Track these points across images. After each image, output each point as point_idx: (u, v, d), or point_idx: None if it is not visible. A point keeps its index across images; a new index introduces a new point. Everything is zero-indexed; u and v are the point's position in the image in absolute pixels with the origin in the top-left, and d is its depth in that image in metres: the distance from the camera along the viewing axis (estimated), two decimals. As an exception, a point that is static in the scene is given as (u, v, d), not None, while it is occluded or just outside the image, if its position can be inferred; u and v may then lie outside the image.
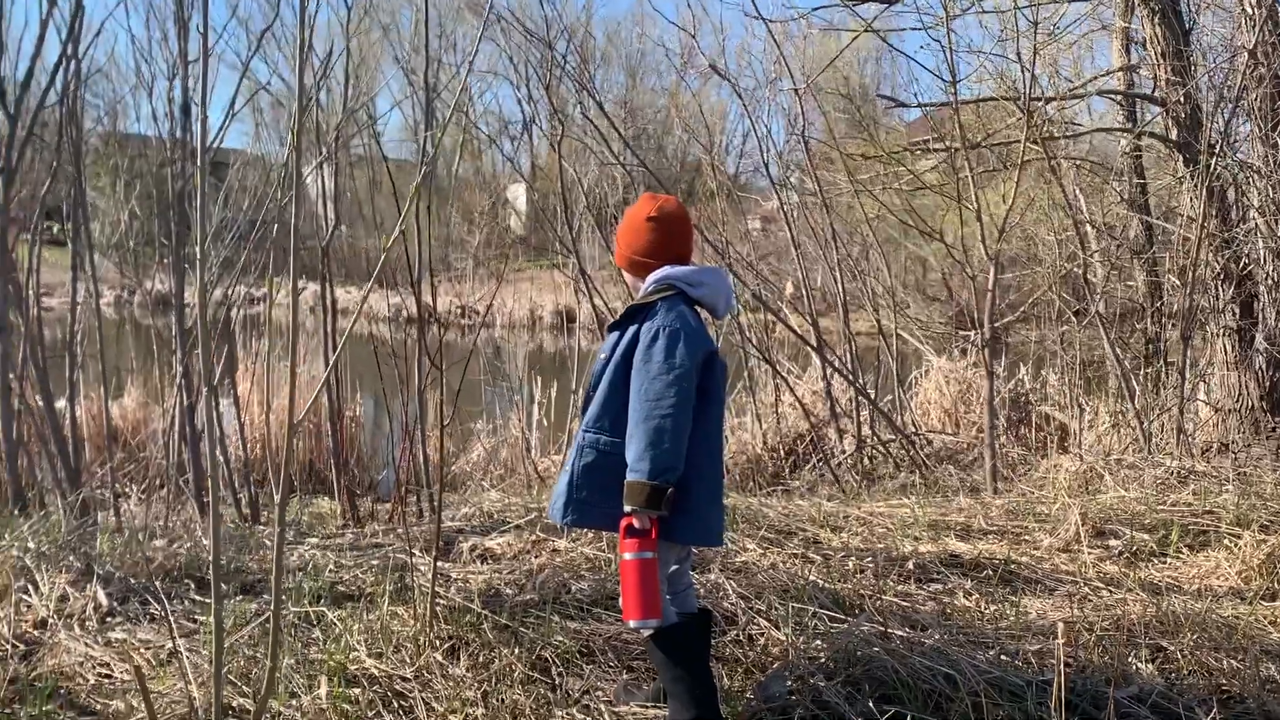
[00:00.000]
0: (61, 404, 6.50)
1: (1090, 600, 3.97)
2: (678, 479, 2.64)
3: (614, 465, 2.72)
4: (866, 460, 8.13)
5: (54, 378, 6.38)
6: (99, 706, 2.84)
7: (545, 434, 9.49)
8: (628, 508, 2.63)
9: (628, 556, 2.63)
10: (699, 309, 2.89)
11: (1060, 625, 2.90)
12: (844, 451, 8.39)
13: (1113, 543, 4.74)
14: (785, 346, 10.73)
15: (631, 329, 2.80)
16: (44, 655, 3.15)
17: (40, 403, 6.31)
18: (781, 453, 8.91)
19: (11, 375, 5.75)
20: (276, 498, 1.88)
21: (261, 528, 6.12)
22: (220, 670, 1.93)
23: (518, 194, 38.23)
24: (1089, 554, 4.55)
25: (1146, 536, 4.76)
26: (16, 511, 5.29)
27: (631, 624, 2.66)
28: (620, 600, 2.67)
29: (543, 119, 9.45)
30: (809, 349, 8.61)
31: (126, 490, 7.66)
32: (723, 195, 9.65)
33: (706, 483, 2.80)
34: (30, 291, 6.24)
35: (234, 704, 2.81)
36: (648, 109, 38.32)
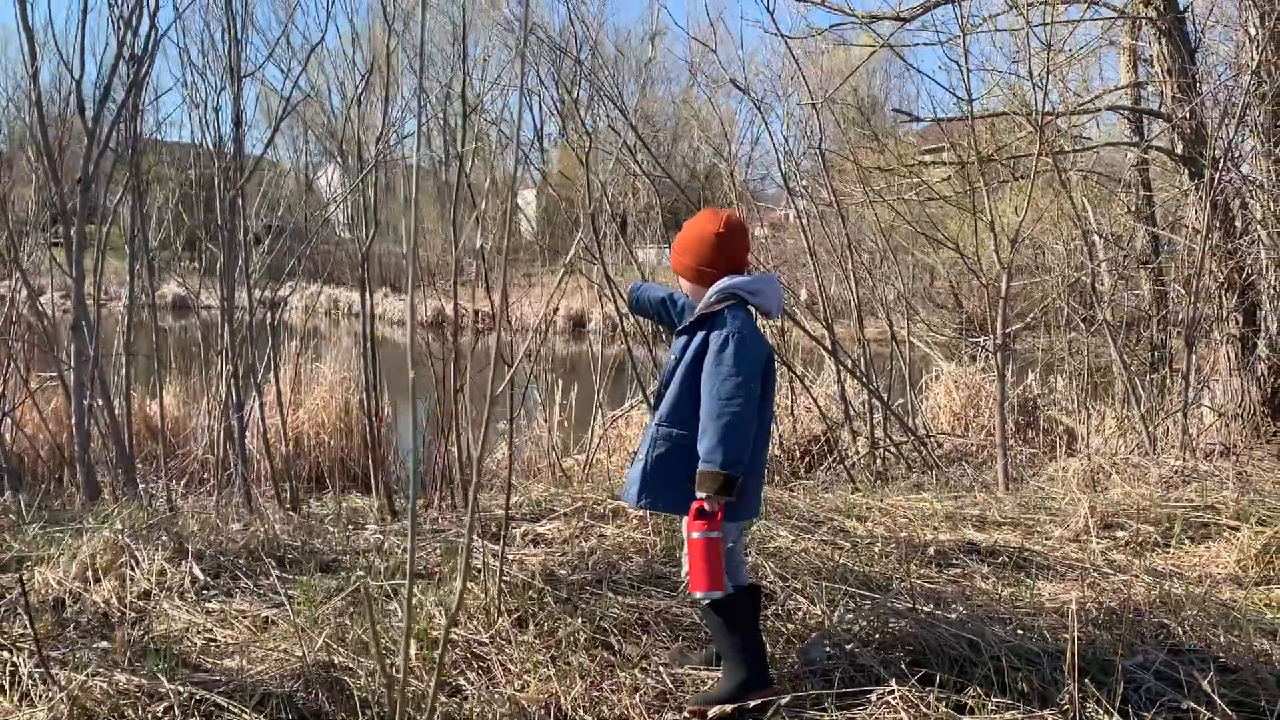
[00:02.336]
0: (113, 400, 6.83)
1: (1099, 584, 4.29)
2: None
3: (684, 455, 3.05)
4: (879, 461, 8.44)
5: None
6: (210, 665, 3.17)
7: (566, 434, 9.78)
8: (700, 494, 2.94)
9: (696, 536, 2.93)
10: (755, 312, 3.23)
11: (1074, 597, 3.22)
12: (858, 453, 8.69)
13: (1119, 534, 5.07)
14: (799, 351, 11.05)
15: (700, 334, 3.12)
16: (152, 622, 3.48)
17: (98, 400, 6.66)
18: (796, 454, 9.21)
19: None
20: (476, 452, 2.20)
21: (302, 518, 6.39)
22: (411, 599, 2.26)
23: (528, 199, 38.56)
24: (1097, 544, 4.88)
25: (1151, 529, 5.09)
26: (88, 499, 5.64)
27: (697, 595, 2.99)
28: (684, 574, 3.00)
29: (566, 128, 9.78)
30: (824, 352, 8.92)
31: (174, 485, 7.98)
32: (743, 204, 9.96)
33: (757, 467, 3.16)
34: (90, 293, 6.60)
35: (335, 660, 3.14)
36: (657, 116, 38.65)
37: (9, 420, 7.21)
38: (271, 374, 8.59)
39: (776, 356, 8.78)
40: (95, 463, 6.92)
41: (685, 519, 3.03)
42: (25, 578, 3.02)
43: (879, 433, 8.61)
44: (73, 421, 6.16)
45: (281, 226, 9.39)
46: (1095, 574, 4.43)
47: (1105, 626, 3.68)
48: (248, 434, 7.67)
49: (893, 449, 8.46)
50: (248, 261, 7.08)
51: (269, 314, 7.79)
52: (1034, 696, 3.08)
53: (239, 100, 6.96)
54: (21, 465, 7.73)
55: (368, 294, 7.39)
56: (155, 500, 6.59)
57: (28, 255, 8.08)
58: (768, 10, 8.00)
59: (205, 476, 8.54)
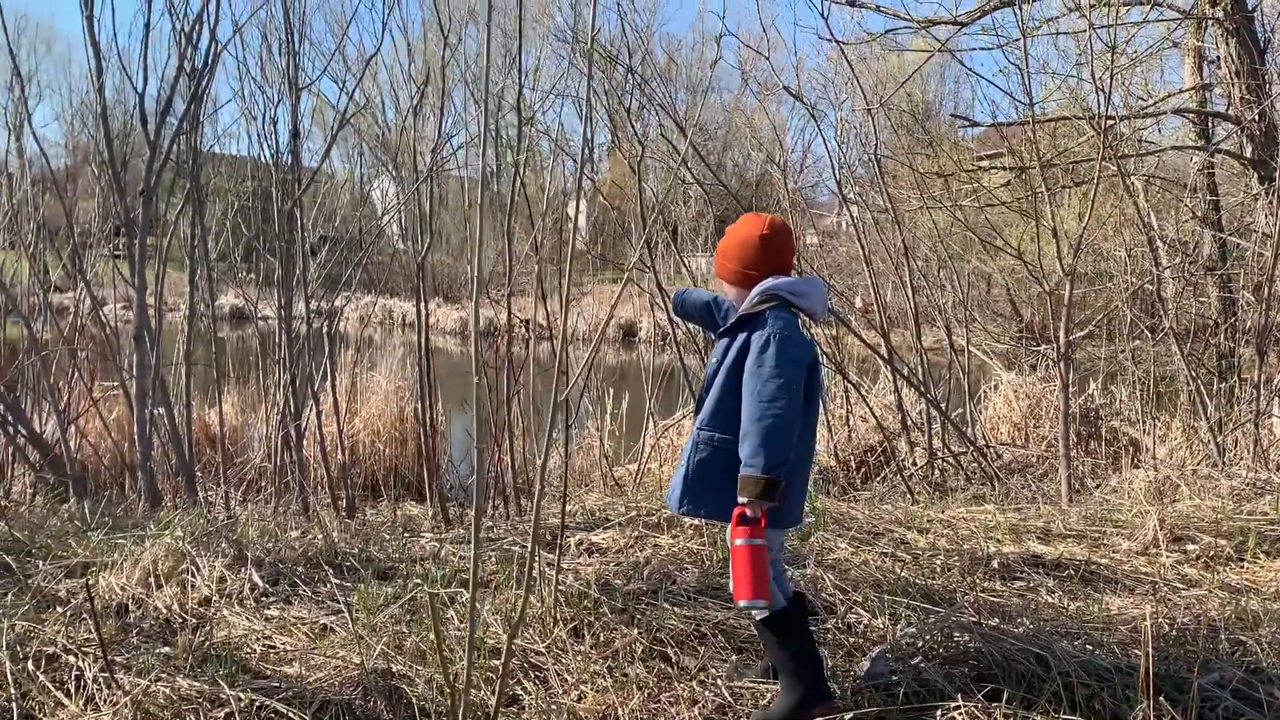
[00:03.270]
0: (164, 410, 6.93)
1: (1170, 599, 4.16)
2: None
3: (726, 460, 2.99)
4: (937, 472, 8.30)
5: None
6: (270, 671, 3.19)
7: (617, 443, 9.76)
8: (742, 498, 2.88)
9: (739, 542, 2.87)
10: (799, 315, 3.17)
11: (1146, 612, 3.12)
12: (915, 463, 8.56)
13: (1190, 547, 4.91)
14: (854, 360, 10.92)
15: (741, 336, 3.06)
16: (212, 629, 3.51)
17: (159, 409, 6.78)
18: (853, 464, 9.10)
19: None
20: (538, 460, 2.18)
21: (358, 526, 6.43)
22: (474, 609, 2.24)
23: (580, 209, 38.78)
24: (1167, 557, 4.73)
25: (1223, 542, 4.92)
26: (150, 505, 5.73)
27: (741, 604, 2.92)
28: (730, 585, 2.95)
29: (617, 137, 9.82)
30: (880, 360, 8.81)
31: (230, 491, 8.08)
32: (797, 211, 9.88)
33: (801, 474, 3.10)
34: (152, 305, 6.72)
35: (393, 669, 3.14)
36: (709, 124, 38.62)
37: (74, 428, 7.36)
38: (328, 383, 8.70)
39: (831, 365, 8.76)
40: (156, 470, 7.05)
41: (728, 526, 2.98)
42: (90, 584, 3.04)
43: (937, 443, 8.47)
44: (135, 430, 6.26)
45: (337, 237, 9.51)
46: (1166, 589, 4.30)
47: (1179, 643, 3.56)
48: (304, 442, 7.76)
49: (951, 460, 8.32)
50: (305, 272, 7.17)
51: (325, 323, 7.88)
52: (1106, 714, 2.98)
53: (296, 112, 7.05)
54: (85, 472, 7.89)
55: (422, 304, 7.46)
56: (214, 507, 6.69)
57: (91, 267, 8.26)
58: (821, 16, 7.94)
59: (263, 484, 8.66)
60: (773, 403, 2.89)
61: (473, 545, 2.22)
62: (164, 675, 2.87)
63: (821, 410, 9.50)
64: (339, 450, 8.74)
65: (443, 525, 6.46)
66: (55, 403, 6.96)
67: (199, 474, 8.65)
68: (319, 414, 7.46)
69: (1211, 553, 4.84)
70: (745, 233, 3.21)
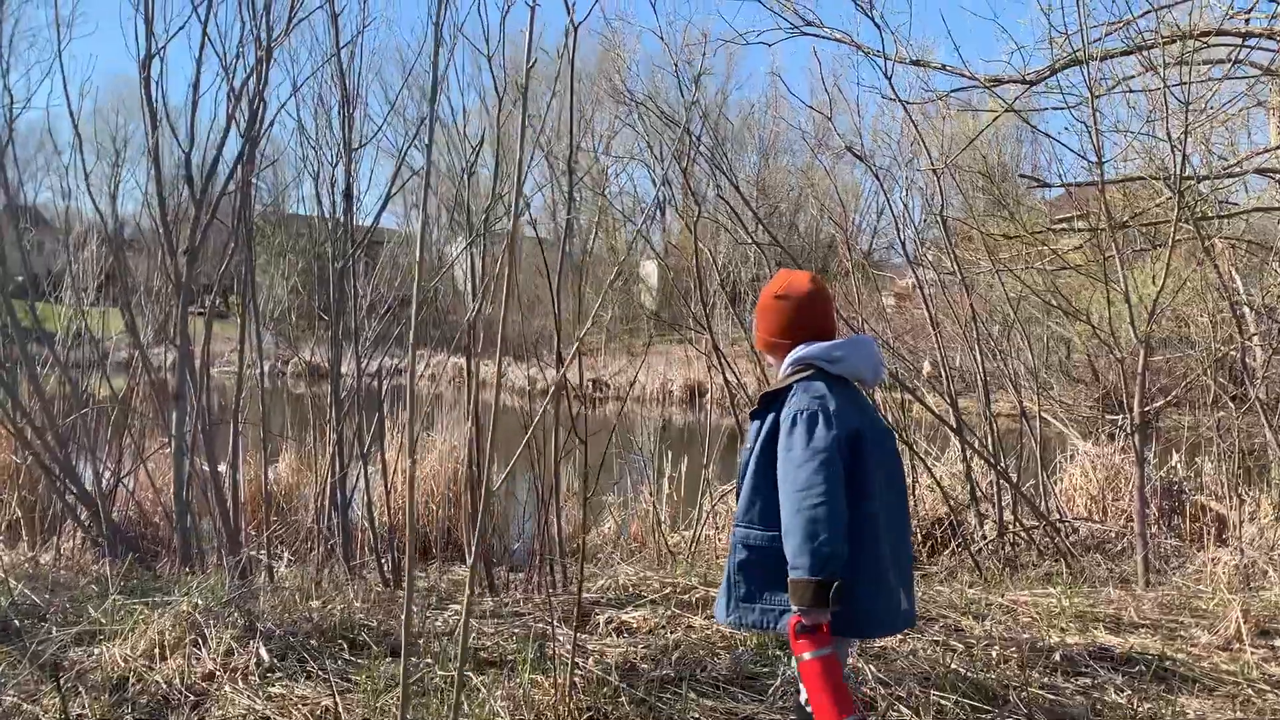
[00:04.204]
0: (222, 468, 6.91)
1: (1254, 703, 3.76)
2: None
3: (768, 560, 2.63)
4: (1008, 547, 7.87)
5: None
6: (261, 757, 3.00)
7: (676, 508, 9.51)
8: (795, 608, 2.52)
9: (806, 657, 2.50)
10: (851, 382, 2.80)
11: (1228, 716, 2.77)
12: (984, 537, 8.14)
13: (1278, 643, 4.48)
14: (922, 427, 10.53)
15: (770, 416, 2.71)
16: (211, 707, 3.34)
17: (205, 467, 6.74)
18: (919, 537, 8.71)
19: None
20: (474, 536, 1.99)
21: (403, 592, 6.26)
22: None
23: (649, 270, 38.96)
24: (1252, 654, 4.31)
25: (1317, 638, 4.49)
26: (184, 568, 5.65)
27: None
28: (806, 699, 2.57)
29: (677, 199, 9.72)
30: (948, 430, 8.44)
31: (278, 553, 8.00)
32: (859, 273, 9.62)
33: (863, 570, 2.61)
34: (199, 362, 6.72)
35: (386, 762, 2.93)
36: (780, 187, 38.64)
37: (125, 486, 7.36)
38: (396, 441, 8.58)
39: (896, 432, 8.39)
40: (209, 529, 7.01)
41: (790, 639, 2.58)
42: (60, 662, 2.91)
43: (1008, 516, 8.04)
44: (172, 489, 6.22)
45: (399, 296, 9.52)
46: (1250, 690, 3.90)
47: (1263, 757, 3.19)
48: (354, 503, 7.67)
49: (1023, 534, 7.88)
50: (357, 331, 7.14)
51: (378, 381, 7.81)
52: (1175, 843, 2.64)
53: (350, 172, 7.07)
54: (139, 531, 7.88)
55: (472, 362, 7.36)
56: (257, 569, 6.59)
57: (151, 325, 8.37)
58: (885, 76, 7.73)
59: (312, 545, 8.58)
60: (808, 491, 2.49)
61: (403, 652, 2.01)
62: (140, 763, 2.71)
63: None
64: (386, 512, 8.63)
65: (487, 592, 6.28)
66: (96, 460, 6.98)
67: (253, 534, 8.62)
68: (367, 475, 7.36)
69: (1303, 649, 4.41)
70: (766, 295, 2.88)
